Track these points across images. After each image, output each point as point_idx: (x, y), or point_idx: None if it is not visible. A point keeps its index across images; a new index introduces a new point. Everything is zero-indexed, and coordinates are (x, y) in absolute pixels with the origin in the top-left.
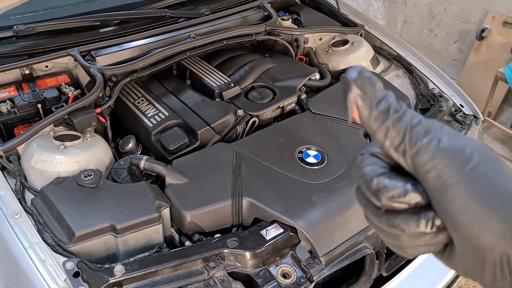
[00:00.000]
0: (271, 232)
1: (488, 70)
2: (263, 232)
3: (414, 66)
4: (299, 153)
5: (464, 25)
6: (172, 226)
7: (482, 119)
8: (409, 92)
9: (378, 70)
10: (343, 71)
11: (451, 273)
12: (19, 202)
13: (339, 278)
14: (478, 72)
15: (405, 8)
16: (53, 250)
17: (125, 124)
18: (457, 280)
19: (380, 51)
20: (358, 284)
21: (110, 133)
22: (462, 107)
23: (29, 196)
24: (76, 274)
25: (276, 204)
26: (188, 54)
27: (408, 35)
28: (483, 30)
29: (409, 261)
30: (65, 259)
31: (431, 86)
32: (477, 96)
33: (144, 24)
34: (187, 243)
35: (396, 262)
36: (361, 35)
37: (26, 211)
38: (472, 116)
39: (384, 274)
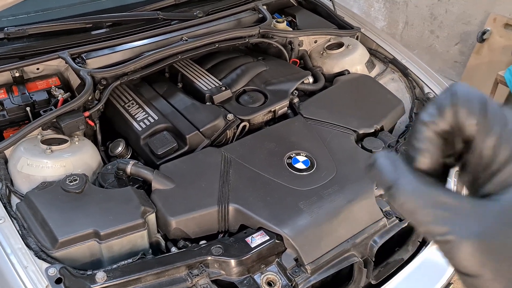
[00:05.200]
0: (257, 239)
1: (489, 72)
2: (248, 239)
3: (410, 70)
4: (288, 158)
5: (465, 27)
6: (158, 231)
7: None
8: (404, 96)
9: (373, 73)
10: (338, 74)
11: (442, 281)
12: (4, 207)
13: (330, 286)
14: (479, 75)
15: (406, 9)
16: (36, 256)
17: (115, 128)
18: None
19: (376, 54)
20: None
21: (99, 137)
22: None
23: (15, 200)
24: (58, 281)
25: (262, 210)
26: (179, 57)
27: (409, 37)
28: (484, 32)
29: (399, 269)
30: (48, 265)
31: (426, 90)
32: None
33: (136, 26)
34: (173, 249)
35: (385, 270)
36: (357, 38)
37: (11, 216)
38: None
39: (373, 282)
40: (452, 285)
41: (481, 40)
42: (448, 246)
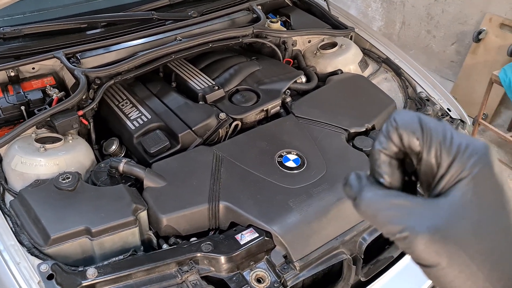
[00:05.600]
0: (246, 236)
1: (485, 72)
2: (238, 236)
3: (402, 70)
4: (279, 157)
5: (461, 27)
6: (150, 229)
7: (478, 123)
8: (397, 96)
9: (366, 73)
10: (331, 73)
11: None
12: None
13: (321, 283)
14: (475, 74)
15: (403, 9)
16: (29, 253)
17: (109, 126)
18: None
19: (370, 53)
20: None
21: (93, 135)
22: (450, 111)
23: (9, 198)
24: (50, 277)
25: (252, 208)
26: (173, 57)
27: (406, 36)
28: (479, 32)
29: (389, 266)
30: (40, 261)
31: (419, 89)
32: (474, 98)
33: (131, 26)
34: (165, 246)
35: (375, 267)
36: (351, 38)
37: (5, 213)
38: (459, 120)
39: (363, 279)
40: None
41: (477, 40)
42: (406, 242)
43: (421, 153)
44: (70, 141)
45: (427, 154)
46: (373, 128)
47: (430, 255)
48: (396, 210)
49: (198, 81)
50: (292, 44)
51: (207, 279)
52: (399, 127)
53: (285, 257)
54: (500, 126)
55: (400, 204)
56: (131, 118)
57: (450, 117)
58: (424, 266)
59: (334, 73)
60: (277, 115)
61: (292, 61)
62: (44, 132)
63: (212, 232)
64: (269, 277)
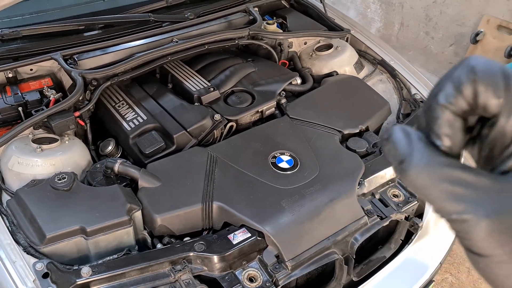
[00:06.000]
0: (239, 236)
1: None
2: (231, 236)
3: (397, 71)
4: (272, 158)
5: (459, 28)
6: (145, 228)
7: None
8: (392, 97)
9: (362, 74)
10: (326, 75)
11: (424, 278)
12: None
13: (315, 283)
14: None
15: (401, 11)
16: (25, 251)
17: (106, 127)
18: (430, 286)
19: (365, 55)
20: None
21: (90, 136)
22: None
23: (6, 197)
24: (45, 275)
25: (245, 208)
26: (169, 58)
27: (404, 38)
28: (477, 34)
29: (381, 266)
30: (36, 260)
31: (413, 91)
32: None
33: (128, 28)
34: (159, 245)
35: (368, 267)
36: (347, 40)
37: (1, 212)
38: None
39: (355, 279)
40: (433, 282)
41: (475, 41)
42: (464, 226)
43: (497, 117)
44: (67, 142)
45: (506, 120)
46: (367, 129)
47: (491, 245)
48: (457, 185)
49: (194, 83)
50: (288, 46)
51: (199, 278)
52: (479, 79)
53: (277, 256)
54: None
55: (463, 179)
56: (127, 119)
57: None
58: (477, 254)
59: (329, 74)
60: (272, 117)
61: (288, 62)
62: (41, 133)
63: (206, 232)
64: (261, 277)
